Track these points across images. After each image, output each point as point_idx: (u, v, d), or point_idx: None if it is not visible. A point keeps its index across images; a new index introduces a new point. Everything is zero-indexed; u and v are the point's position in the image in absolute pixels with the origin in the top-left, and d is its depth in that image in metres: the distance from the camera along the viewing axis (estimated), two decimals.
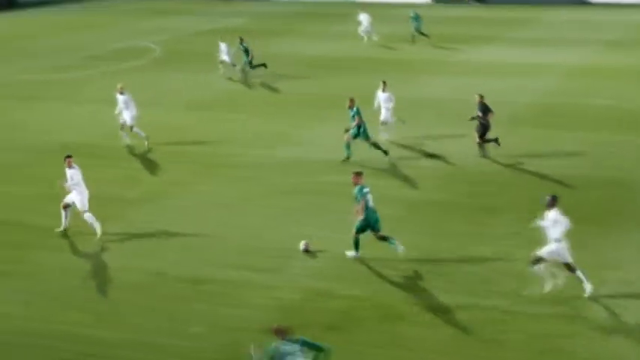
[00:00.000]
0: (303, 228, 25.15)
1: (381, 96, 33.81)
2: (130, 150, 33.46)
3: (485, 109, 31.72)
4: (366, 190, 22.76)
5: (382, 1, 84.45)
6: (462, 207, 27.07)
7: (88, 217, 24.86)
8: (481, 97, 31.90)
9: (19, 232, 25.40)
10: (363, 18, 60.33)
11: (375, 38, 59.00)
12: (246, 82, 45.92)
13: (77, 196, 24.85)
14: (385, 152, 31.45)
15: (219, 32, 61.65)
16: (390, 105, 33.62)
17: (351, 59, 52.79)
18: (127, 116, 33.51)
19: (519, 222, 24.99)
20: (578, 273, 20.75)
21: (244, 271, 22.57)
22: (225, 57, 47.37)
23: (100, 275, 22.51)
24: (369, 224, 22.79)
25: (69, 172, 24.81)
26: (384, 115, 33.68)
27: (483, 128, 31.80)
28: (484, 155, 31.81)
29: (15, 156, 33.11)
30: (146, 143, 33.63)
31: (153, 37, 62.51)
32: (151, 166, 31.59)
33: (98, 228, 24.86)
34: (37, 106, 41.36)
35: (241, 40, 47.64)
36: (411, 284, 21.74)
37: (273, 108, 40.16)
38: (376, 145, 31.44)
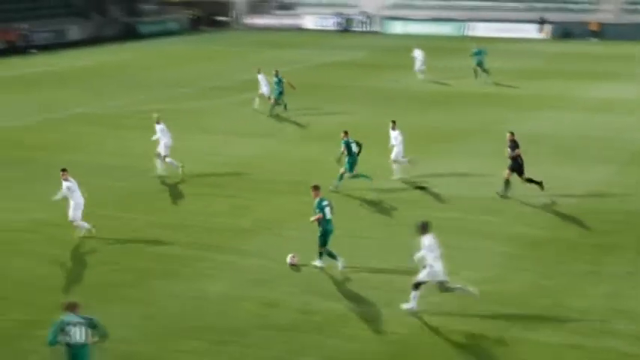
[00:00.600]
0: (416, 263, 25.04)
1: (391, 134, 33.89)
2: (241, 180, 33.88)
3: (514, 146, 31.03)
4: (325, 203, 24.37)
5: (500, 36, 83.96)
6: (577, 245, 26.64)
7: (77, 224, 27.15)
8: (512, 134, 31.31)
9: (139, 258, 25.80)
10: (418, 54, 59.28)
11: (421, 76, 58.14)
12: (355, 113, 46.04)
13: (72, 206, 27.01)
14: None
15: (338, 65, 62.25)
16: (399, 143, 33.65)
17: (461, 94, 52.59)
18: (162, 145, 34.27)
19: (636, 261, 24.47)
20: (457, 287, 21.79)
21: (354, 303, 22.55)
22: (264, 89, 47.38)
23: (215, 304, 22.71)
24: (326, 234, 24.42)
25: (65, 184, 27.03)
26: (394, 153, 33.74)
27: (517, 165, 31.01)
28: (503, 194, 31.03)
29: (138, 184, 33.72)
30: (180, 171, 34.11)
31: (274, 68, 63.15)
32: (265, 196, 31.85)
33: (84, 230, 27.19)
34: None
35: (277, 72, 47.58)
36: (526, 322, 21.44)
37: (386, 140, 40.13)
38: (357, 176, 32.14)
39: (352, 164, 32.29)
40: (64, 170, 27.54)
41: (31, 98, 51.80)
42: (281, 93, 46.79)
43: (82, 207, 27.33)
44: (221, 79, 59.13)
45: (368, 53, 73.38)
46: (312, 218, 24.52)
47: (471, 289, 22.08)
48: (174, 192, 32.48)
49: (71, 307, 17.59)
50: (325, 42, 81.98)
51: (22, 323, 21.53)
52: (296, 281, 23.97)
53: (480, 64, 56.97)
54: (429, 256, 21.41)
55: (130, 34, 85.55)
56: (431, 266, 21.39)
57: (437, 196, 31.46)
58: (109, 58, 71.73)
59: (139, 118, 46.13)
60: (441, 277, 21.60)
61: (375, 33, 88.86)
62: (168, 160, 34.31)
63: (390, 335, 20.85)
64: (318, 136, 41.46)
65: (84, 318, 17.46)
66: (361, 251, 26.18)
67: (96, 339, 17.54)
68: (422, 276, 21.61)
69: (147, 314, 22.02)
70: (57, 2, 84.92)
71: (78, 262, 25.60)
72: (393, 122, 34.25)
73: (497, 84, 56.16)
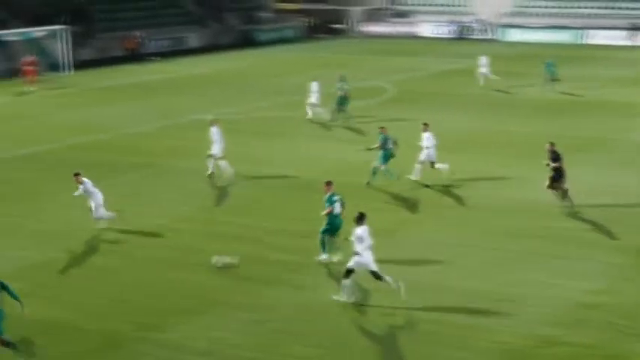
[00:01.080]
0: (529, 273, 24.76)
1: (423, 136, 34.30)
2: (361, 187, 33.90)
3: (556, 157, 30.52)
4: (335, 198, 25.65)
5: (618, 44, 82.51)
6: None
7: (103, 220, 28.82)
8: (552, 144, 30.80)
9: (250, 264, 26.02)
10: (483, 60, 58.91)
11: (481, 82, 57.75)
12: (471, 121, 45.71)
13: (93, 207, 28.54)
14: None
15: (453, 73, 61.84)
16: (431, 145, 34.08)
17: (579, 103, 51.84)
18: (216, 148, 35.10)
19: None
20: (386, 279, 22.54)
21: (466, 314, 22.38)
22: (313, 99, 47.28)
23: (325, 311, 22.75)
24: (333, 228, 25.54)
25: (81, 187, 28.51)
26: (423, 155, 34.13)
27: (557, 175, 30.48)
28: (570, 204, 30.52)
29: (257, 191, 34.07)
30: (231, 176, 34.84)
31: (389, 76, 63.20)
32: (380, 205, 31.81)
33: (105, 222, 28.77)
34: (278, 141, 42.49)
35: (342, 77, 47.82)
36: None
37: (501, 149, 39.78)
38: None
39: (386, 157, 33.79)
40: (77, 174, 28.84)
41: (149, 105, 52.74)
42: (345, 99, 47.09)
43: (102, 201, 28.74)
44: (334, 85, 59.24)
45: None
46: (323, 212, 25.57)
47: (400, 285, 22.60)
48: (287, 199, 32.68)
49: None
50: (441, 50, 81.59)
51: (140, 326, 21.92)
52: (413, 291, 23.81)
53: (551, 74, 56.81)
54: (359, 246, 22.44)
55: (246, 41, 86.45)
56: (360, 255, 22.44)
57: (549, 205, 31.00)
58: (226, 65, 72.59)
59: (255, 124, 46.59)
60: (371, 266, 22.57)
61: (491, 41, 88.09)
62: (220, 162, 35.11)
63: (503, 345, 20.65)
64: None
65: None
66: (478, 262, 26.00)
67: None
68: (350, 264, 22.71)
69: (257, 319, 22.19)
70: (176, 11, 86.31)
71: (194, 266, 25.93)
72: (425, 124, 34.72)
73: (613, 92, 55.28)
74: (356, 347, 20.73)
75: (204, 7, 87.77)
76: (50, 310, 22.84)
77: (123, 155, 39.61)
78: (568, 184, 30.51)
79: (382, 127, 34.66)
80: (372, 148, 34.23)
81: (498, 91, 55.92)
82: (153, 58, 75.56)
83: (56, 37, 67.21)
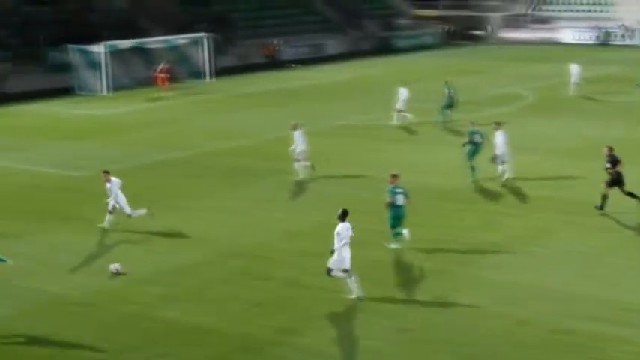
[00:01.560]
0: None
1: (496, 135, 35.44)
2: (492, 194, 33.68)
3: (614, 161, 30.14)
4: (398, 190, 27.33)
5: None
6: None
7: (136, 214, 30.50)
8: (610, 149, 30.43)
9: (397, 272, 26.01)
10: (574, 69, 57.48)
11: (572, 92, 56.25)
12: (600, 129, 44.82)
13: (122, 205, 30.25)
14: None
15: (594, 80, 60.70)
16: (501, 144, 35.18)
17: None
18: (298, 150, 36.56)
19: None
20: (352, 279, 23.39)
21: (604, 324, 21.98)
22: (400, 104, 47.47)
23: (466, 319, 22.60)
24: (396, 218, 27.26)
25: (108, 185, 30.21)
26: (499, 151, 35.24)
27: (616, 181, 30.18)
28: (601, 208, 30.46)
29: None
30: (310, 170, 36.50)
31: (527, 83, 62.50)
32: (517, 211, 31.52)
33: (107, 222, 30.32)
34: (414, 148, 42.57)
35: (447, 82, 48.39)
36: None
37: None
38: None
39: (473, 153, 35.37)
40: (106, 172, 30.60)
41: (289, 111, 53.21)
42: (450, 105, 47.63)
43: (125, 201, 30.39)
44: (474, 93, 58.89)
45: (625, 67, 71.22)
46: (386, 201, 27.33)
47: (358, 289, 23.50)
48: (426, 205, 32.59)
49: None
50: (582, 56, 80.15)
51: (279, 330, 22.15)
52: (547, 299, 23.59)
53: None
54: (337, 242, 23.29)
55: (385, 48, 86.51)
56: (338, 252, 23.29)
57: None
58: (366, 71, 72.80)
59: (391, 131, 46.62)
60: (345, 264, 23.33)
61: (635, 47, 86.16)
62: (300, 163, 36.65)
63: (636, 356, 20.21)
64: (569, 151, 40.69)
65: None
66: (617, 272, 25.54)
67: None
68: (331, 262, 23.49)
69: (400, 327, 22.20)
70: (315, 18, 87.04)
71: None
72: (497, 124, 35.93)
73: None
74: (496, 356, 20.56)
75: (343, 14, 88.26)
76: (190, 314, 23.29)
77: (262, 161, 40.12)
78: None
79: (472, 123, 36.28)
80: (465, 144, 35.78)
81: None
82: (292, 64, 76.30)
83: (198, 44, 68.51)
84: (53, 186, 35.89)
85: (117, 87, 63.36)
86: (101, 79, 62.79)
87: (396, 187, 27.47)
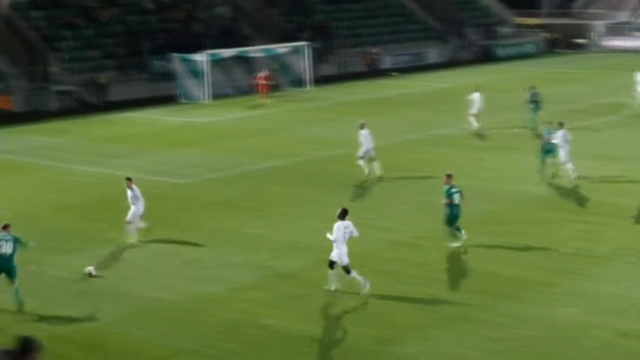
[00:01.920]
0: None
1: (559, 134, 36.85)
2: (589, 203, 33.48)
3: None
4: (453, 190, 28.64)
5: None
6: None
7: (129, 227, 30.43)
8: None
9: (493, 282, 25.99)
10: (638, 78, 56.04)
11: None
12: None
13: (133, 209, 30.39)
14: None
15: None
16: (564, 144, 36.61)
17: None
18: (364, 149, 38.30)
19: None
20: (352, 274, 24.73)
21: None
22: (474, 109, 48.08)
23: (566, 331, 22.48)
24: (452, 218, 28.64)
25: (129, 192, 30.65)
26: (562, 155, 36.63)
27: None
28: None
29: (493, 206, 34.05)
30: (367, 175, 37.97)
31: (632, 92, 61.58)
32: (618, 221, 31.16)
33: (133, 238, 30.32)
34: (510, 157, 42.38)
35: (531, 87, 49.40)
36: None
37: None
38: None
39: (547, 152, 37.10)
40: (128, 179, 31.08)
41: (390, 120, 53.38)
42: (536, 110, 48.21)
43: (140, 214, 30.68)
44: (577, 101, 58.32)
45: None
46: (443, 201, 28.66)
47: (364, 283, 24.67)
48: (519, 215, 32.43)
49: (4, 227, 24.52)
50: None
51: (379, 340, 22.29)
52: None
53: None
54: (335, 239, 24.68)
55: (486, 57, 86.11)
56: (338, 248, 24.68)
57: None
58: (467, 80, 72.25)
59: (496, 140, 46.42)
60: (344, 260, 24.68)
61: None
62: (361, 162, 38.35)
63: None
64: None
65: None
66: None
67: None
68: (332, 255, 24.93)
69: (495, 337, 22.20)
70: (416, 27, 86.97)
71: (428, 281, 26.11)
72: (560, 123, 37.27)
73: None
74: None
75: (444, 23, 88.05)
76: (291, 322, 23.57)
77: (362, 169, 40.25)
78: None
79: (555, 123, 37.67)
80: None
81: None
82: (393, 73, 76.36)
83: (299, 53, 69.04)
84: (158, 193, 36.55)
85: (218, 95, 64.23)
86: (203, 87, 63.69)
87: (452, 186, 28.78)
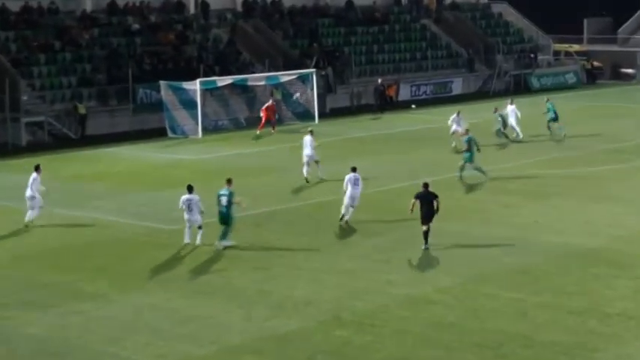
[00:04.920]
0: None
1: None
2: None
3: None
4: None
5: None
6: None
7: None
8: None
9: (524, 348, 25.94)
10: None
11: None
12: None
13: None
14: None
15: None
16: None
17: None
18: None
19: None
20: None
21: None
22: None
23: None
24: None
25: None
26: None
27: None
28: None
29: (527, 258, 34.01)
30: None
31: None
32: None
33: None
34: (548, 202, 42.33)
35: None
36: None
37: None
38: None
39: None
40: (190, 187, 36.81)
41: (407, 159, 53.53)
42: (554, 119, 54.33)
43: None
44: (624, 140, 58.31)
45: None
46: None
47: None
48: (569, 269, 32.37)
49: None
50: None
51: None
52: None
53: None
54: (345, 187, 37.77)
55: (519, 87, 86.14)
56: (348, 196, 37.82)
57: None
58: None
59: (527, 183, 46.41)
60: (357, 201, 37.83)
61: None
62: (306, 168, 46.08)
63: None
64: None
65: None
66: None
67: None
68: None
69: None
70: (440, 53, 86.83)
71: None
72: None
73: None
74: None
75: (472, 48, 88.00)
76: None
77: (375, 214, 40.20)
78: None
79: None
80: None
81: None
82: (413, 106, 76.32)
83: (306, 82, 69.14)
84: (145, 241, 36.70)
85: (213, 129, 64.35)
86: (196, 119, 63.62)
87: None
